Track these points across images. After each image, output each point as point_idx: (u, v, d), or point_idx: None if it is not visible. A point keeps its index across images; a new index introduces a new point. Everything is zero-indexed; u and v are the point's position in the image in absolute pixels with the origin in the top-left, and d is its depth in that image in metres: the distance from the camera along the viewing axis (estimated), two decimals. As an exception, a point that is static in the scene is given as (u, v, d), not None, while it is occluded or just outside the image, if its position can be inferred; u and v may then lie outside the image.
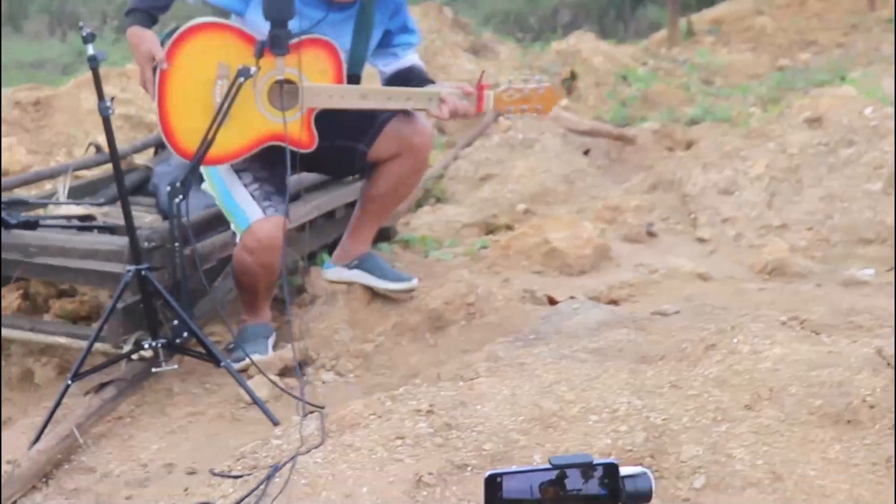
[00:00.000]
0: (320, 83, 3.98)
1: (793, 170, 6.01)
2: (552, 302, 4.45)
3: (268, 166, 4.07)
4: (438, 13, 11.05)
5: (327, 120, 4.10)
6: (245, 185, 4.06)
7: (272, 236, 3.97)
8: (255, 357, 4.02)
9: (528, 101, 4.14)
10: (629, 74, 10.30)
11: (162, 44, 3.92)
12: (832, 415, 2.98)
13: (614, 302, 4.54)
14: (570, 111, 8.45)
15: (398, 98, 4.10)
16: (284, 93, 3.97)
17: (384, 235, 5.35)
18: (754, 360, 3.22)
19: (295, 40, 3.90)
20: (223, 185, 4.09)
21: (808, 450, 2.87)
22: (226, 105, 3.85)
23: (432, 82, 4.27)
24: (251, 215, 4.00)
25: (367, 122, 4.24)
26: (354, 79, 4.21)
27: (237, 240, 4.07)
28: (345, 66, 4.04)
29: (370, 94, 4.06)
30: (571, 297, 4.38)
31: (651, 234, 5.73)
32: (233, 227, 4.10)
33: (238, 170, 4.09)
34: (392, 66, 4.33)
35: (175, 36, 3.93)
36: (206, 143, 3.88)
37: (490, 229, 5.95)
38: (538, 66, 10.12)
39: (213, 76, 3.93)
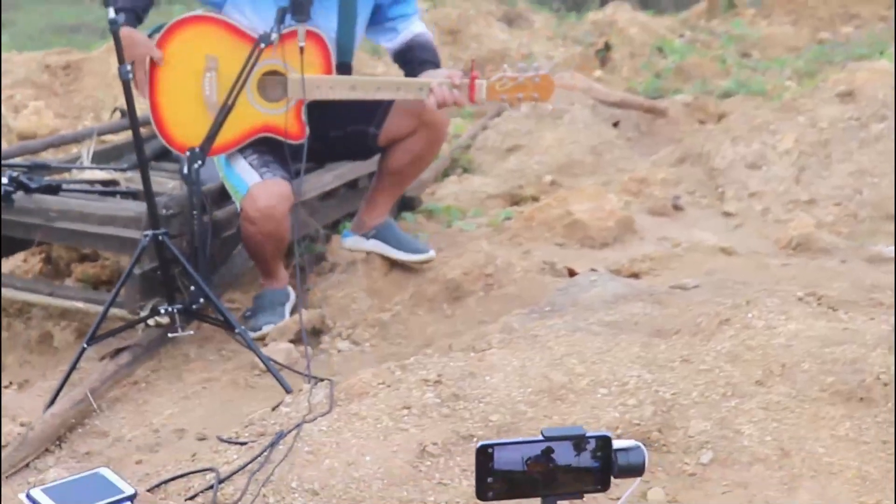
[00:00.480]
0: (309, 74, 3.97)
1: (822, 144, 5.94)
2: (572, 274, 4.43)
3: (268, 146, 4.09)
4: (472, -19, 11.00)
5: (334, 109, 4.12)
6: (245, 157, 4.06)
7: (270, 204, 3.96)
8: (269, 328, 4.04)
9: (524, 90, 4.08)
10: (665, 46, 10.20)
11: (150, 38, 3.96)
12: (844, 392, 2.95)
13: (635, 275, 4.51)
14: (603, 82, 8.40)
15: (388, 88, 4.09)
16: (274, 84, 3.99)
17: (408, 205, 5.34)
18: (768, 335, 3.20)
19: (286, 30, 3.90)
20: (224, 158, 4.10)
21: (817, 426, 2.85)
22: (245, 73, 3.87)
23: (433, 62, 4.24)
24: (249, 181, 4.00)
25: (374, 104, 4.24)
26: (344, 67, 4.20)
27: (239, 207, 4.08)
28: (333, 54, 4.04)
29: (360, 84, 4.06)
30: (592, 270, 4.35)
31: (677, 208, 5.69)
32: (234, 198, 4.10)
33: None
34: (395, 41, 4.32)
35: (164, 30, 3.98)
36: (227, 110, 3.89)
37: (516, 200, 5.93)
38: (572, 37, 10.07)
39: (201, 68, 3.99)
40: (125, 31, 3.84)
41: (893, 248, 4.82)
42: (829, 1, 13.22)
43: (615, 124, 7.27)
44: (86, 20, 13.79)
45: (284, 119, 4.02)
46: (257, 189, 3.98)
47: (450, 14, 9.65)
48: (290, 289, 4.26)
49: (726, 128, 6.43)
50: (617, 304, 3.79)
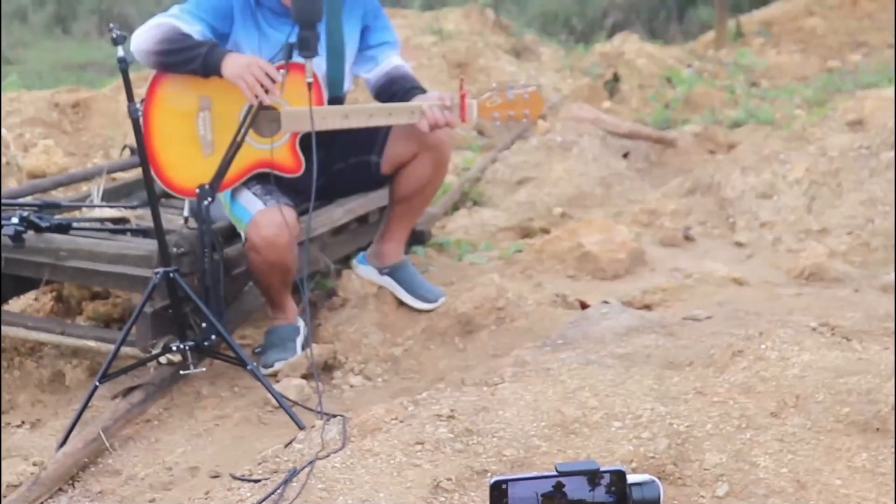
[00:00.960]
0: (301, 107, 3.98)
1: (833, 173, 5.93)
2: (584, 307, 4.42)
3: (272, 178, 4.09)
4: (480, 15, 11.02)
5: (335, 142, 4.14)
6: (249, 189, 4.07)
7: (273, 232, 3.94)
8: (281, 364, 4.03)
9: (514, 107, 4.11)
10: (673, 76, 10.21)
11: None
12: (859, 423, 2.94)
13: (647, 307, 4.50)
14: (612, 113, 8.40)
15: (380, 115, 4.10)
16: (267, 119, 4.01)
17: (418, 239, 5.34)
18: (782, 366, 3.19)
19: (277, 64, 3.92)
20: (228, 193, 4.10)
21: (833, 458, 2.84)
22: (253, 112, 3.89)
23: (420, 87, 4.25)
24: (252, 209, 4.00)
25: (373, 133, 4.26)
26: (336, 101, 4.23)
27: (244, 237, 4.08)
28: (324, 89, 4.05)
29: (352, 113, 4.07)
30: (603, 302, 4.34)
31: (688, 238, 5.68)
32: (239, 229, 4.10)
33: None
34: (374, 72, 4.33)
35: (155, 74, 4.02)
36: (236, 146, 3.91)
37: (526, 233, 5.92)
38: (580, 68, 10.08)
39: (195, 109, 4.02)
40: (233, 55, 3.91)
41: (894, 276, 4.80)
42: (837, 29, 13.25)
43: (625, 155, 7.27)
44: (94, 58, 13.87)
45: (275, 153, 4.02)
46: (261, 216, 3.98)
47: (458, 47, 9.67)
48: (301, 321, 4.24)
49: (736, 158, 6.42)
50: (629, 337, 3.79)
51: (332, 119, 4.03)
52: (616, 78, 9.67)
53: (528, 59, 10.66)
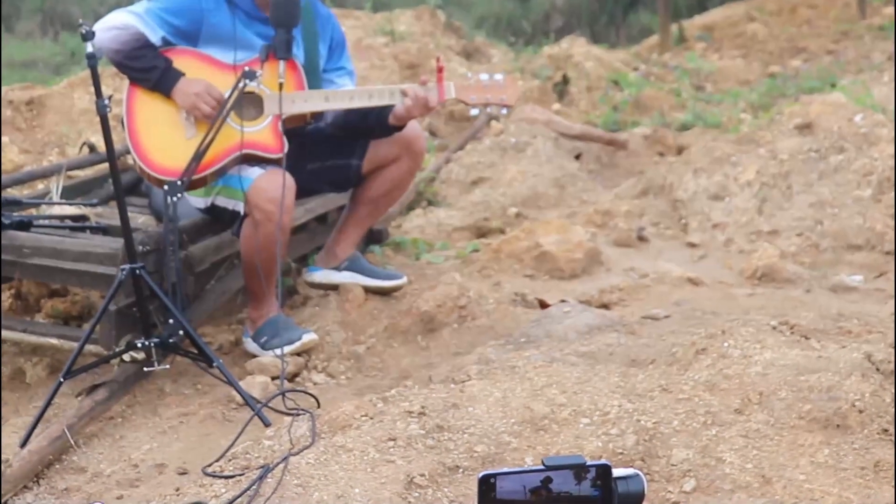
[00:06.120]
0: (285, 92, 4.03)
1: (783, 176, 6.03)
2: (543, 305, 4.47)
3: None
4: (431, 17, 11.06)
5: (315, 143, 4.16)
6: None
7: (279, 195, 3.92)
8: (308, 337, 4.09)
9: (491, 91, 4.15)
10: (621, 79, 10.30)
11: None
12: (821, 419, 3.00)
13: (605, 306, 4.56)
14: (562, 115, 8.47)
15: (361, 97, 4.13)
16: (249, 104, 4.05)
17: (375, 238, 5.36)
18: (744, 364, 3.24)
19: (253, 59, 4.02)
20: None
21: (797, 454, 2.90)
22: (228, 105, 3.92)
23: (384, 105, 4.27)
24: (252, 175, 4.01)
25: (353, 140, 4.28)
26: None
27: (241, 209, 4.08)
28: (304, 76, 4.09)
29: (332, 96, 4.13)
30: (562, 301, 4.40)
31: (642, 239, 5.75)
32: (232, 205, 4.11)
33: None
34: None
35: None
36: (208, 142, 3.92)
37: (481, 233, 5.96)
38: (530, 70, 10.14)
39: None
40: (186, 80, 4.00)
41: (861, 277, 4.90)
42: (777, 35, 13.42)
43: (577, 157, 7.34)
44: (39, 56, 13.75)
45: (259, 134, 4.04)
46: (265, 180, 3.99)
47: (410, 48, 9.71)
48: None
49: (688, 160, 6.51)
50: (591, 335, 3.84)
51: (313, 101, 4.08)
52: (565, 80, 9.74)
53: (478, 60, 10.71)
